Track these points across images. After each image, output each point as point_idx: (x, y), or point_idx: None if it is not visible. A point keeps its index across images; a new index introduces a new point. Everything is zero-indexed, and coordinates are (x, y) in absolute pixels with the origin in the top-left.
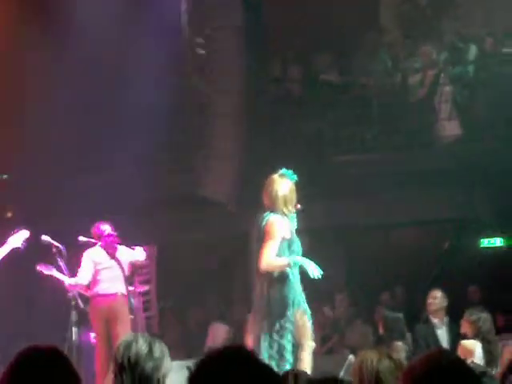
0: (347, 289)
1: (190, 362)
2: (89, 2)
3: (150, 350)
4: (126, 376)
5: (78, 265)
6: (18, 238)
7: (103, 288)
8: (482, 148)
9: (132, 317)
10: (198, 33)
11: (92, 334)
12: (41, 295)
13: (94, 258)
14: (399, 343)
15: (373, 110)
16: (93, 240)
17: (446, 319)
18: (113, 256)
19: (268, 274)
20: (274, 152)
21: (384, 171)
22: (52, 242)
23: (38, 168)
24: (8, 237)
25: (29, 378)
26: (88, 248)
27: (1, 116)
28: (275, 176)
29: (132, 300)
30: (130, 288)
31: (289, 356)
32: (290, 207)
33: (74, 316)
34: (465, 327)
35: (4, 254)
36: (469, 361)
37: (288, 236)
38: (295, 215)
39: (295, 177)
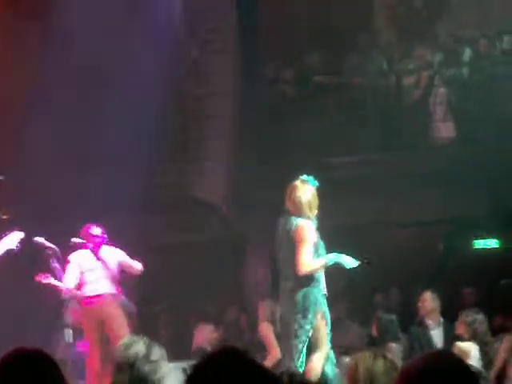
0: (344, 291)
1: (184, 364)
2: (79, 5)
3: (148, 353)
4: (122, 376)
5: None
6: (13, 239)
7: (90, 290)
8: (477, 149)
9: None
10: (191, 34)
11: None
12: (35, 297)
13: (78, 260)
14: (393, 345)
15: (367, 112)
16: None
17: (440, 320)
18: (98, 257)
19: (294, 277)
20: (268, 154)
21: (378, 172)
22: (46, 243)
23: (34, 169)
24: (2, 238)
25: (13, 381)
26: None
27: None
28: (297, 182)
29: (124, 299)
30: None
31: (298, 356)
32: (314, 211)
33: (66, 318)
34: (460, 329)
35: None
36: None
37: (315, 240)
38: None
39: (316, 182)
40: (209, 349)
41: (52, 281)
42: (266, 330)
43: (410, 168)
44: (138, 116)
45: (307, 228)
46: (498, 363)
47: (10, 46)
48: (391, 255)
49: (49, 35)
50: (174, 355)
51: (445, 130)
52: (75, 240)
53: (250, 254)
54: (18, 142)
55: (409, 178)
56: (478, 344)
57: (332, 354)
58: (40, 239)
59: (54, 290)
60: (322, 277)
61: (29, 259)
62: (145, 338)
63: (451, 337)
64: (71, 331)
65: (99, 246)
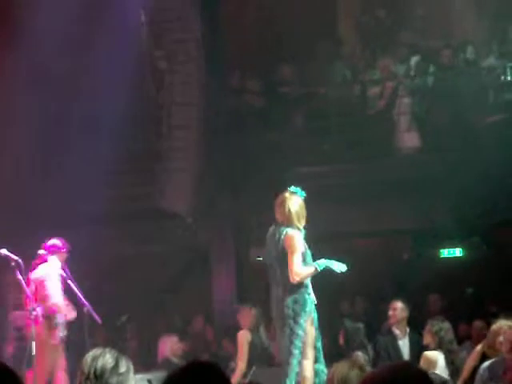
0: None
1: (150, 376)
2: (46, 10)
3: (116, 365)
4: None
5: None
6: None
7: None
8: (441, 159)
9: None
10: (157, 45)
11: None
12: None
13: (57, 272)
14: (359, 353)
15: (332, 122)
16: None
17: (407, 330)
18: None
19: (284, 283)
20: (234, 164)
21: (343, 182)
22: (10, 255)
23: None
24: None
25: None
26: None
27: None
28: (286, 194)
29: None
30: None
31: (295, 361)
32: (302, 222)
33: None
34: (427, 338)
35: None
36: (431, 372)
37: (303, 249)
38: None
39: (304, 193)
40: (174, 360)
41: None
42: (242, 339)
43: (374, 178)
44: (102, 126)
45: (296, 238)
46: (465, 372)
47: None
48: (356, 264)
49: (13, 45)
50: (140, 367)
51: (409, 139)
52: (41, 252)
53: (216, 265)
54: None
55: (374, 188)
56: (444, 353)
57: (322, 362)
58: (4, 251)
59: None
60: (309, 283)
61: None
62: (113, 350)
63: (418, 346)
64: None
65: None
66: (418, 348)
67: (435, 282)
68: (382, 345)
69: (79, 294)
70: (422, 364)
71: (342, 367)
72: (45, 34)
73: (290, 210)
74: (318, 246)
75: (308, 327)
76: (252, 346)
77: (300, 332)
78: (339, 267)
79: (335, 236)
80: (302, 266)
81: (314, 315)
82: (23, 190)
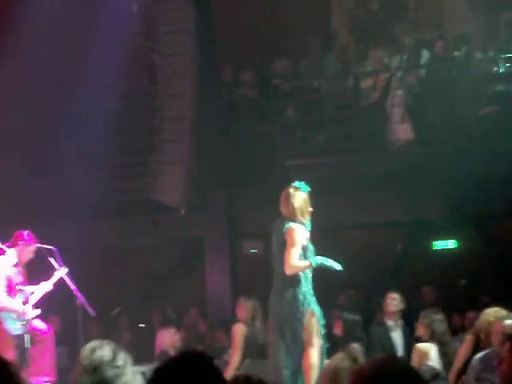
0: None
1: (142, 368)
2: (39, 4)
3: (114, 358)
4: (86, 379)
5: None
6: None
7: None
8: (434, 151)
9: None
10: (149, 37)
11: None
12: None
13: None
14: (355, 345)
15: (325, 114)
16: (48, 246)
17: (400, 322)
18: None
19: (284, 276)
20: (226, 156)
21: (336, 175)
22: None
23: None
24: None
25: None
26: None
27: None
28: (290, 189)
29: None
30: None
31: (298, 358)
32: (306, 216)
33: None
34: (420, 330)
35: None
36: (423, 363)
37: (305, 243)
38: (309, 222)
39: (308, 188)
40: (172, 353)
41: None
42: (237, 332)
43: (368, 170)
44: (94, 119)
45: (297, 231)
46: (457, 363)
47: None
48: (350, 256)
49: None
50: (134, 359)
51: (402, 131)
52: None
53: (210, 257)
54: None
55: (367, 180)
56: (436, 344)
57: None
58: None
59: None
60: (307, 277)
61: None
62: (111, 343)
63: (411, 338)
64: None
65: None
66: (410, 340)
67: (429, 273)
68: (376, 336)
69: (72, 287)
70: (414, 356)
71: (335, 359)
72: (36, 26)
73: (293, 206)
74: (311, 238)
75: (308, 319)
76: (246, 338)
77: (299, 326)
78: (335, 266)
79: (328, 228)
80: (297, 259)
81: (316, 308)
82: (16, 185)
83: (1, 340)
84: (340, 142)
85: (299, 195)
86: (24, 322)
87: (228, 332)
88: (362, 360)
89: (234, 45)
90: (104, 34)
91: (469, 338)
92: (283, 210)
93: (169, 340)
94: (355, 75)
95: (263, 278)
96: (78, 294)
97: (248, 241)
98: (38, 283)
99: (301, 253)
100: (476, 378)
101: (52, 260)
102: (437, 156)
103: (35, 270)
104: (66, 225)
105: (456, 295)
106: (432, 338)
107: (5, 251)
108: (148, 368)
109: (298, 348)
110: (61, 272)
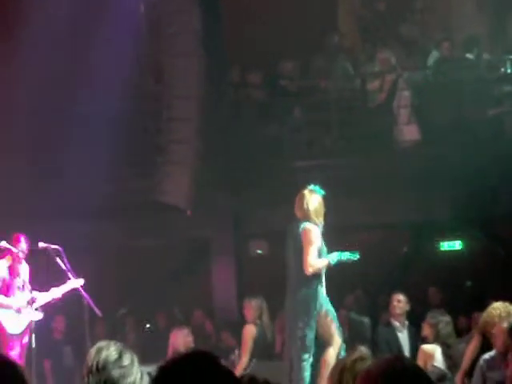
0: None
1: (148, 368)
2: (43, 4)
3: (120, 358)
4: (92, 379)
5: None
6: None
7: None
8: (441, 152)
9: None
10: (156, 37)
11: None
12: None
13: None
14: (362, 348)
15: (332, 115)
16: (53, 246)
17: (406, 323)
18: None
19: (299, 276)
20: (233, 157)
21: (343, 175)
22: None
23: None
24: None
25: None
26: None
27: None
28: (305, 191)
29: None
30: None
31: (306, 355)
32: (321, 218)
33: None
34: (426, 330)
35: None
36: (429, 364)
37: (319, 244)
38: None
39: (322, 191)
40: None
41: None
42: (248, 334)
43: (374, 171)
44: (101, 119)
45: (313, 231)
46: (464, 363)
47: None
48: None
49: (9, 37)
50: (141, 359)
51: (408, 132)
52: (43, 245)
53: (216, 258)
54: None
55: (373, 181)
56: (441, 346)
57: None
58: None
59: None
60: (323, 278)
61: None
62: (118, 343)
63: (417, 339)
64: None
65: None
66: (416, 340)
67: (435, 274)
68: (382, 336)
69: (79, 287)
70: (420, 357)
71: (342, 359)
72: (43, 27)
73: (308, 207)
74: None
75: (323, 319)
76: (255, 339)
77: (312, 323)
78: (351, 257)
79: (335, 229)
80: (316, 258)
81: (329, 308)
82: (23, 184)
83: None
84: (347, 143)
85: (314, 197)
86: (24, 322)
87: (234, 333)
88: (369, 361)
89: (241, 45)
90: (111, 34)
91: (475, 338)
92: (298, 211)
93: (182, 340)
94: (362, 76)
95: (269, 278)
96: (85, 294)
97: (254, 241)
98: (46, 283)
99: (317, 254)
100: (481, 377)
101: (58, 260)
102: (443, 157)
103: (42, 270)
104: (72, 225)
105: (462, 296)
106: (437, 339)
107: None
108: (154, 368)
109: (309, 348)
110: (75, 283)
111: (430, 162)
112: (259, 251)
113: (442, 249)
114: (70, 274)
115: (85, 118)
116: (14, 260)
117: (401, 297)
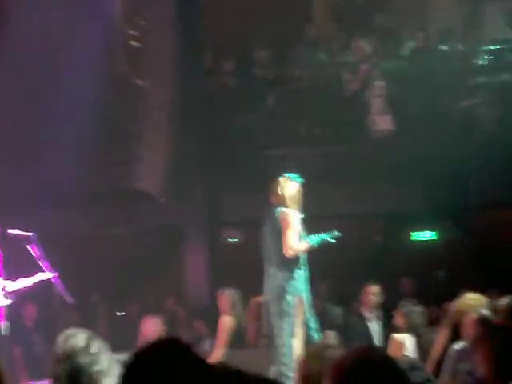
0: None
1: (121, 356)
2: None
3: (88, 346)
4: (60, 367)
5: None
6: None
7: None
8: (414, 142)
9: None
10: (131, 24)
11: None
12: None
13: None
14: (331, 332)
15: (306, 104)
16: (24, 233)
17: (377, 313)
18: None
19: (278, 261)
20: (207, 145)
21: (317, 164)
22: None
23: None
24: None
25: None
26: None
27: None
28: (282, 178)
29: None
30: None
31: (288, 339)
32: (296, 206)
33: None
34: (398, 319)
35: None
36: (401, 354)
37: (298, 227)
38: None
39: (300, 179)
40: None
41: None
42: (225, 325)
43: (347, 160)
44: (75, 107)
45: (291, 215)
46: (434, 354)
47: None
48: (328, 247)
49: None
50: (112, 347)
51: (382, 122)
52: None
53: (189, 246)
54: None
55: (346, 171)
56: (413, 335)
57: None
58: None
59: None
60: (303, 263)
61: None
62: (85, 331)
63: (387, 329)
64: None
65: None
66: (387, 330)
67: (407, 264)
68: (354, 327)
69: (53, 279)
70: (391, 346)
71: (309, 347)
72: (19, 17)
73: (283, 194)
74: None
75: (296, 306)
76: (231, 329)
77: (288, 309)
78: (332, 236)
79: (307, 218)
80: (296, 241)
81: (305, 295)
82: None
83: None
84: (321, 131)
85: (290, 184)
86: None
87: (206, 321)
88: (335, 348)
89: (215, 33)
90: (85, 20)
91: (446, 328)
92: (273, 198)
93: (153, 329)
94: (337, 65)
95: (242, 266)
96: (56, 282)
97: (228, 229)
98: (17, 271)
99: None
100: (452, 368)
101: (30, 247)
102: (416, 147)
103: (14, 258)
104: (43, 213)
105: (433, 286)
106: (408, 328)
107: None
108: (126, 356)
109: (290, 331)
110: (46, 275)
111: (403, 152)
112: (233, 239)
113: (414, 239)
114: (41, 262)
115: (58, 104)
116: None
117: (376, 289)
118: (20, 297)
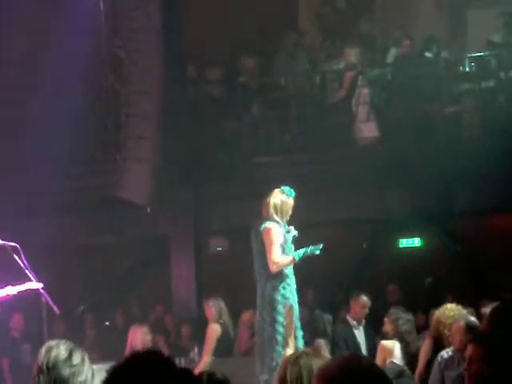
0: None
1: (107, 366)
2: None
3: (70, 357)
4: (42, 379)
5: None
6: None
7: None
8: (399, 149)
9: None
10: (116, 34)
11: None
12: None
13: None
14: (321, 340)
15: (291, 112)
16: (10, 243)
17: (363, 320)
18: None
19: (266, 272)
20: (193, 154)
21: (302, 172)
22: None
23: None
24: None
25: None
26: None
27: None
28: (275, 190)
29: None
30: None
31: (280, 348)
32: (285, 218)
33: None
34: (386, 326)
35: None
36: (388, 361)
37: (281, 241)
38: (287, 225)
39: (293, 193)
40: None
41: None
42: (212, 333)
43: (333, 168)
44: (60, 116)
45: (274, 229)
46: (420, 366)
47: None
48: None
49: None
50: (98, 357)
51: (367, 130)
52: None
53: (175, 255)
54: None
55: (332, 178)
56: (401, 342)
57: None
58: None
59: None
60: (291, 273)
61: None
62: (67, 342)
63: (373, 336)
64: None
65: None
66: (373, 337)
67: (394, 271)
68: (339, 333)
69: (40, 289)
70: (379, 352)
71: (293, 355)
72: (4, 23)
73: (270, 205)
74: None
75: (287, 315)
76: (219, 338)
77: (279, 318)
78: (316, 250)
79: (293, 225)
80: (280, 256)
81: (295, 305)
82: None
83: None
84: (306, 139)
85: (280, 196)
86: None
87: (194, 329)
88: (314, 356)
89: (200, 42)
90: (70, 30)
91: (427, 340)
92: (263, 210)
93: (140, 338)
94: (322, 73)
95: (229, 275)
96: (43, 292)
97: (214, 238)
98: (2, 281)
99: (280, 250)
100: (439, 375)
101: (16, 257)
102: (402, 154)
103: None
104: (30, 222)
105: (421, 293)
106: (396, 335)
107: None
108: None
109: (280, 342)
110: (33, 285)
111: (389, 159)
112: (219, 248)
113: (400, 245)
114: (28, 272)
115: (43, 114)
116: None
117: (367, 301)
118: (7, 308)
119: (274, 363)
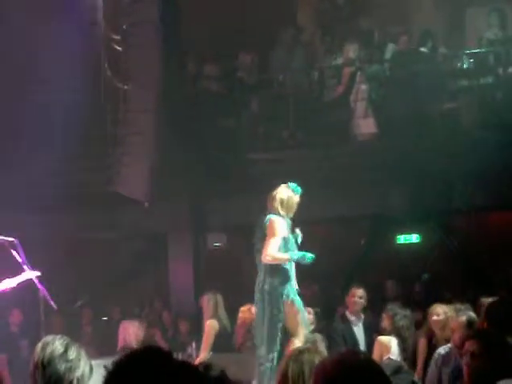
0: None
1: (105, 361)
2: None
3: (65, 352)
4: (39, 375)
5: None
6: None
7: None
8: (397, 146)
9: None
10: (114, 28)
11: None
12: None
13: None
14: (317, 334)
15: (290, 108)
16: (7, 238)
17: (361, 316)
18: None
19: (266, 267)
20: (191, 149)
21: (300, 168)
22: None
23: None
24: None
25: None
26: None
27: None
28: (281, 185)
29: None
30: None
31: (277, 341)
32: (289, 213)
33: None
34: (384, 322)
35: None
36: (385, 356)
37: (285, 235)
38: (291, 221)
39: (299, 189)
40: (135, 346)
41: None
42: (210, 329)
43: (331, 164)
44: (57, 111)
45: (277, 222)
46: (419, 366)
47: None
48: (313, 251)
49: None
50: (96, 352)
51: (366, 126)
52: None
53: (173, 251)
54: None
55: (330, 174)
56: (398, 338)
57: None
58: None
59: None
60: (291, 269)
61: None
62: (63, 337)
63: (372, 332)
64: None
65: None
66: (372, 334)
67: (391, 267)
68: (338, 330)
69: (35, 280)
70: (376, 348)
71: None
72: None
73: (276, 199)
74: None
75: (289, 309)
76: (217, 333)
77: (277, 313)
78: (310, 258)
79: (296, 221)
80: (275, 250)
81: (296, 298)
82: None
83: None
84: (304, 136)
85: (286, 191)
86: None
87: (192, 325)
88: (316, 352)
89: (198, 37)
90: (68, 24)
91: (422, 340)
92: (268, 203)
93: (132, 333)
94: (320, 69)
95: (227, 270)
96: (41, 287)
97: (212, 234)
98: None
99: (282, 244)
100: (437, 371)
101: (14, 252)
102: (400, 150)
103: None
104: (27, 216)
105: (419, 289)
106: (393, 331)
107: None
108: (110, 361)
109: (277, 339)
110: (30, 274)
111: (387, 155)
112: (216, 244)
113: (398, 242)
114: (25, 267)
115: (40, 107)
116: None
117: (362, 292)
118: (5, 303)
119: (272, 358)
